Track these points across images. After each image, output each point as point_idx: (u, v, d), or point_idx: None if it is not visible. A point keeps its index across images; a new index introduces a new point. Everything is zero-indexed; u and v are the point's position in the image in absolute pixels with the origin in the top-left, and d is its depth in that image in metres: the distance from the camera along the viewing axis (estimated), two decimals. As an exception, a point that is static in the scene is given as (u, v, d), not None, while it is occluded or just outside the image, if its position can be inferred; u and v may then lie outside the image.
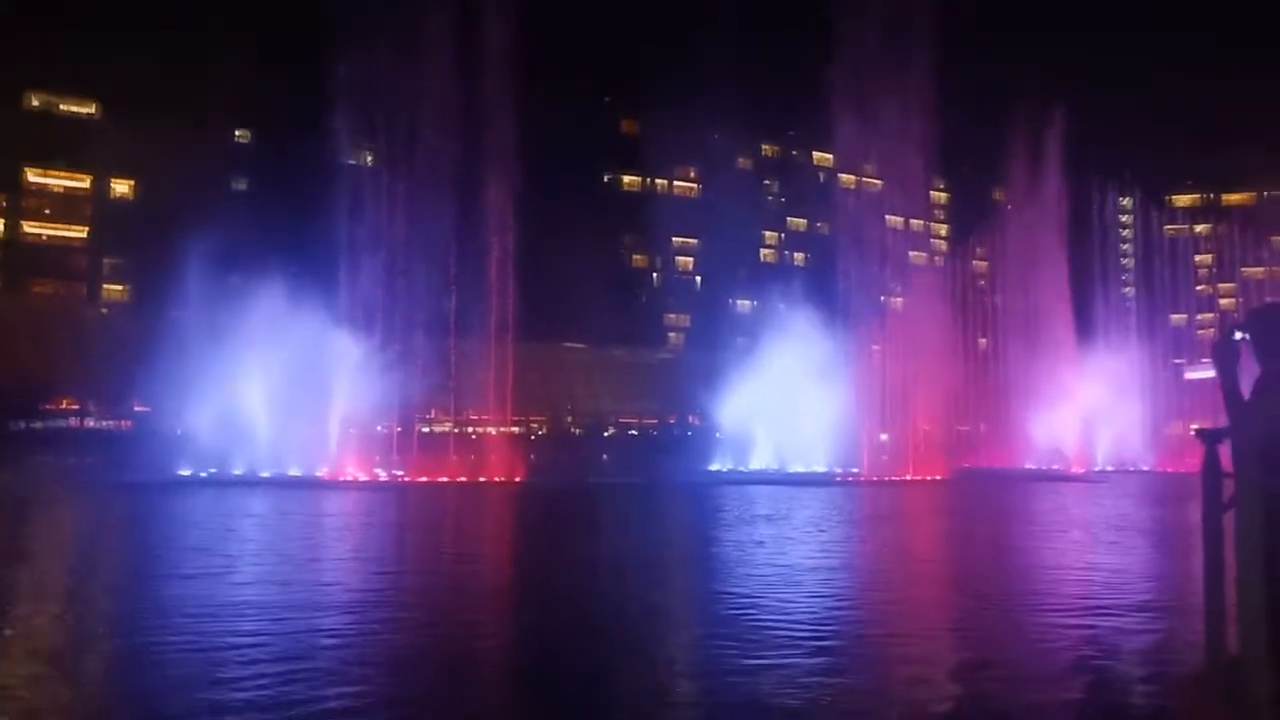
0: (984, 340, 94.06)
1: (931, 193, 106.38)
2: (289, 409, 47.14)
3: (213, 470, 44.42)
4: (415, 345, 52.55)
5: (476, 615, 10.65)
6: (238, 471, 44.34)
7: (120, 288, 71.96)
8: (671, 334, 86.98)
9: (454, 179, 64.36)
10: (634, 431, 77.13)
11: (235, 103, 68.45)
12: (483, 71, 64.47)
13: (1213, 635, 4.61)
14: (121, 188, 71.77)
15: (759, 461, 59.43)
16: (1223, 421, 4.77)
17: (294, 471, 46.09)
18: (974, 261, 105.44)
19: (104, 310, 70.06)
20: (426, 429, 65.49)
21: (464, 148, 63.49)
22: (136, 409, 63.48)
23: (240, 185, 72.37)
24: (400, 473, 49.23)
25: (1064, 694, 6.99)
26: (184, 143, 62.42)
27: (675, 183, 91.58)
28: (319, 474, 46.17)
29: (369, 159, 72.15)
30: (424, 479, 46.70)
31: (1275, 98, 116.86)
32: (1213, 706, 4.46)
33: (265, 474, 44.57)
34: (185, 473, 44.12)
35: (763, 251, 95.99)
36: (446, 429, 68.94)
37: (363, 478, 46.66)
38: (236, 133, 73.26)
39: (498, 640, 9.47)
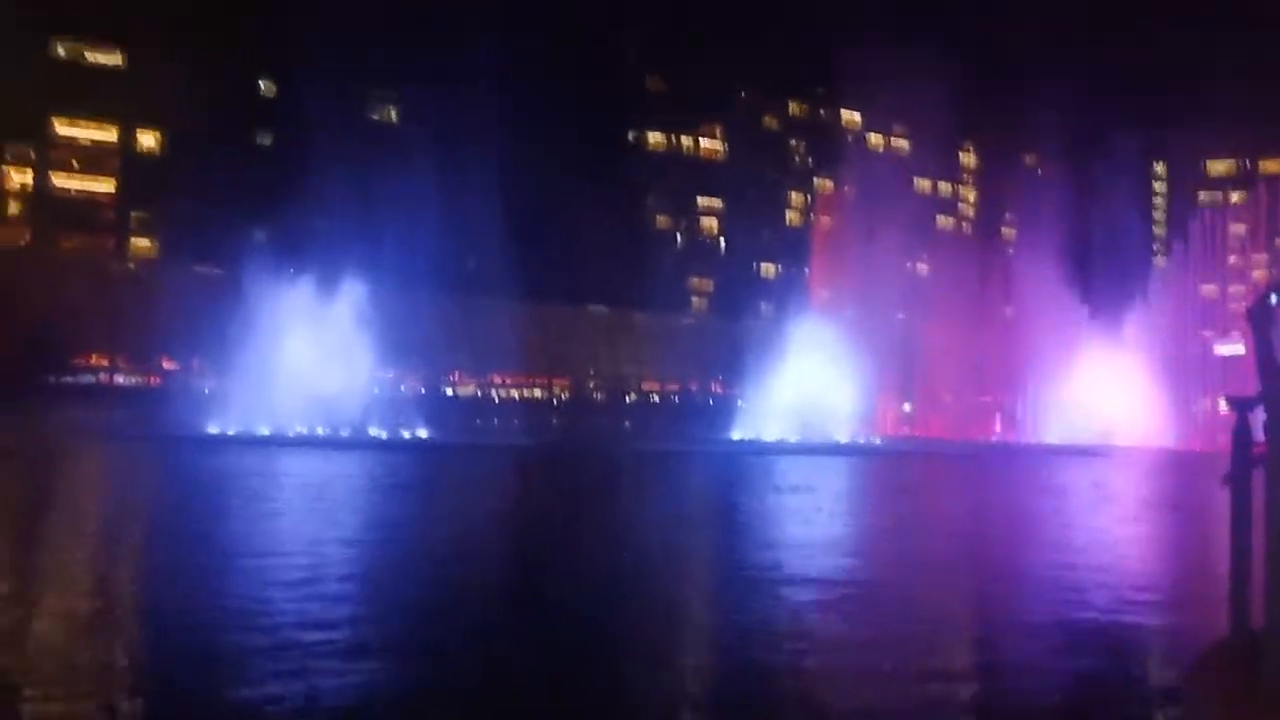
0: (1010, 310, 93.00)
1: (960, 155, 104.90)
2: (313, 368, 47.34)
3: (240, 429, 44.70)
4: (438, 305, 52.60)
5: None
6: (264, 430, 44.58)
7: (148, 242, 72.36)
8: (695, 298, 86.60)
9: (477, 136, 64.13)
10: (655, 397, 77.17)
11: (258, 55, 68.10)
12: (508, 25, 63.95)
13: (1237, 604, 4.55)
14: (149, 140, 71.75)
15: (779, 430, 58.90)
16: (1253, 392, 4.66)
17: (320, 430, 46.36)
18: (1002, 228, 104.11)
19: (131, 265, 70.52)
20: (450, 390, 65.89)
21: (488, 104, 63.18)
22: (165, 365, 64.15)
23: (265, 140, 72.22)
24: (425, 434, 49.26)
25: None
26: (211, 94, 62.28)
27: (701, 141, 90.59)
28: (343, 433, 46.36)
29: (393, 115, 71.95)
30: (449, 440, 46.73)
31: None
32: (1233, 675, 4.41)
33: (292, 433, 44.82)
34: (214, 430, 44.55)
35: (788, 214, 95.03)
36: (470, 390, 69.34)
37: (385, 436, 46.95)
38: (261, 84, 72.85)
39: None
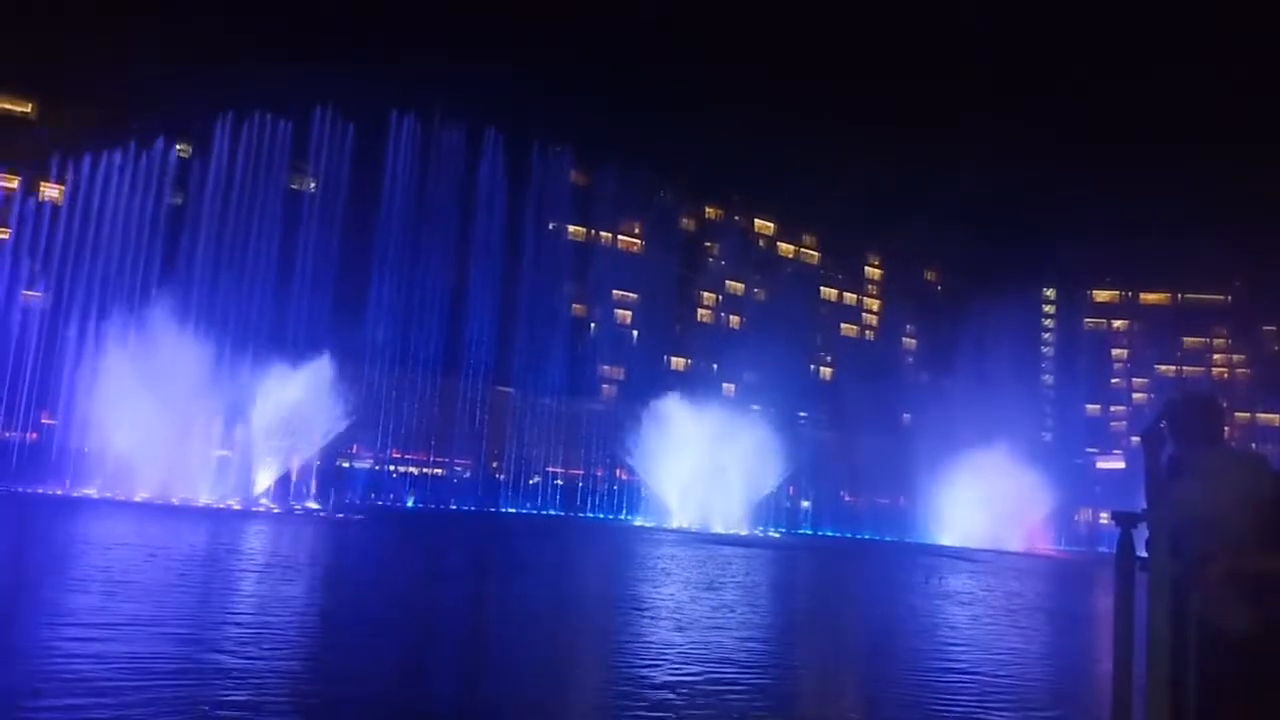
0: (907, 416, 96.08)
1: (866, 267, 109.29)
2: (203, 434, 45.89)
3: (112, 492, 42.70)
4: (343, 377, 51.61)
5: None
6: (143, 495, 42.66)
7: (39, 294, 69.55)
8: (605, 385, 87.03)
9: (397, 212, 64.23)
10: (559, 481, 76.58)
11: (174, 117, 67.36)
12: (433, 117, 65.05)
13: (1119, 707, 4.79)
14: (52, 191, 69.72)
15: (682, 520, 59.40)
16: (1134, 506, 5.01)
17: (205, 499, 44.63)
18: (904, 339, 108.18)
19: (19, 316, 67.53)
20: (346, 464, 64.23)
21: (408, 183, 63.57)
22: (44, 421, 61.12)
23: (176, 200, 70.88)
24: (316, 506, 48.06)
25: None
26: (119, 151, 61.16)
27: (619, 236, 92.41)
28: (231, 503, 44.74)
29: (311, 185, 71.57)
30: (340, 515, 45.57)
31: (1191, 204, 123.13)
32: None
33: (176, 499, 43.02)
34: (90, 491, 42.42)
35: (700, 311, 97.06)
36: (366, 465, 67.70)
37: (276, 509, 45.39)
38: (178, 147, 72.03)
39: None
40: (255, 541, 26.20)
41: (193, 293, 51.96)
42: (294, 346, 51.81)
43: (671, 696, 8.49)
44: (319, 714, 7.36)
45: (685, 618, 14.92)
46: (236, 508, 43.50)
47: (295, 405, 48.34)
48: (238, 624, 11.40)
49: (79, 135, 60.48)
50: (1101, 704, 5.32)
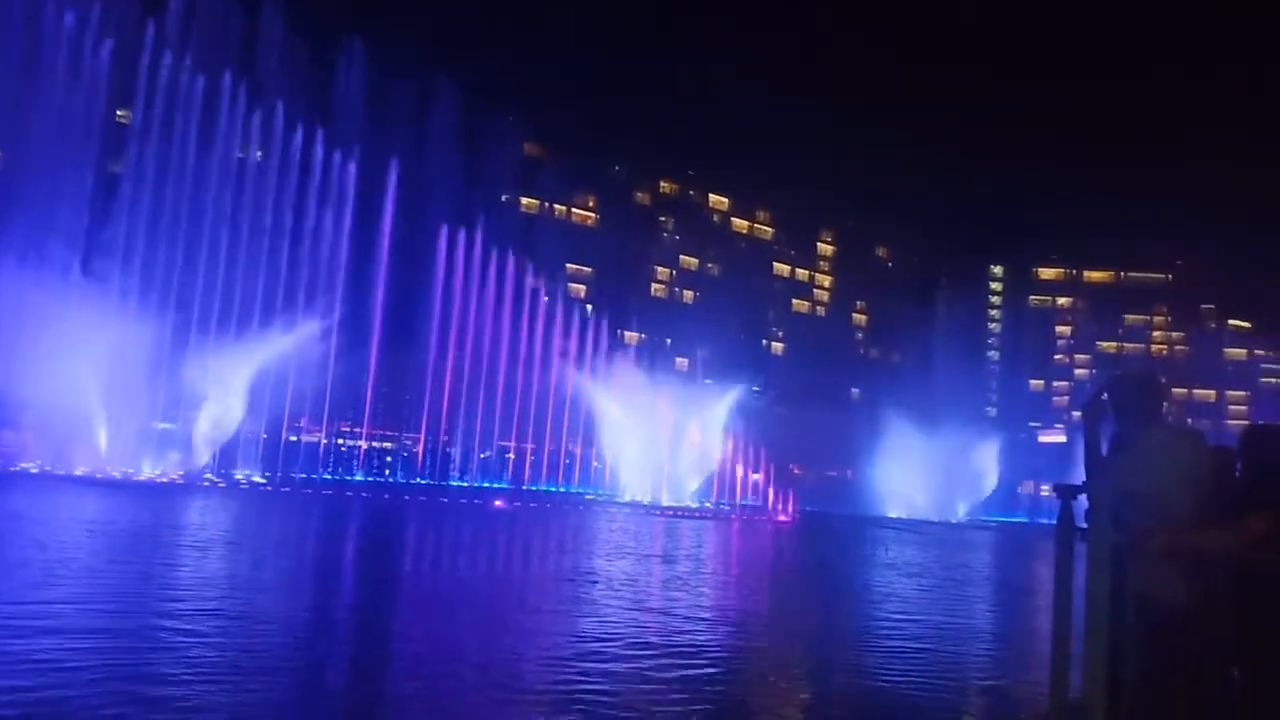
0: (856, 391, 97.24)
1: (819, 244, 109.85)
2: (144, 405, 44.88)
3: (54, 466, 41.64)
4: (292, 349, 50.68)
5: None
6: (82, 469, 41.64)
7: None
8: (557, 359, 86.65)
9: (345, 184, 62.98)
10: (510, 455, 76.26)
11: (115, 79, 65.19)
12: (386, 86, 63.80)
13: (1057, 677, 4.87)
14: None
15: (634, 493, 59.62)
16: (1074, 479, 5.08)
17: (148, 472, 43.74)
18: (854, 315, 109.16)
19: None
20: (295, 437, 63.25)
21: (357, 152, 62.33)
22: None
23: (115, 168, 68.72)
24: (262, 480, 47.41)
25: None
26: (58, 117, 58.94)
27: (573, 210, 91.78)
28: (175, 476, 43.89)
29: (258, 155, 69.88)
30: (286, 488, 45.06)
31: (1133, 190, 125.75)
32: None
33: (118, 472, 42.09)
34: (30, 466, 41.33)
35: (654, 286, 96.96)
36: (316, 439, 66.77)
37: (222, 484, 44.65)
38: (118, 113, 69.70)
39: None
40: (195, 517, 25.78)
41: (129, 258, 50.31)
42: (240, 316, 50.75)
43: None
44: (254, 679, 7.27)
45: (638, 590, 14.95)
46: (180, 482, 42.73)
47: (240, 376, 47.52)
48: (176, 601, 11.19)
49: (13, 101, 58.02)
50: (1043, 672, 5.42)
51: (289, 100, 58.03)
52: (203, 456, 47.12)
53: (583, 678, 8.02)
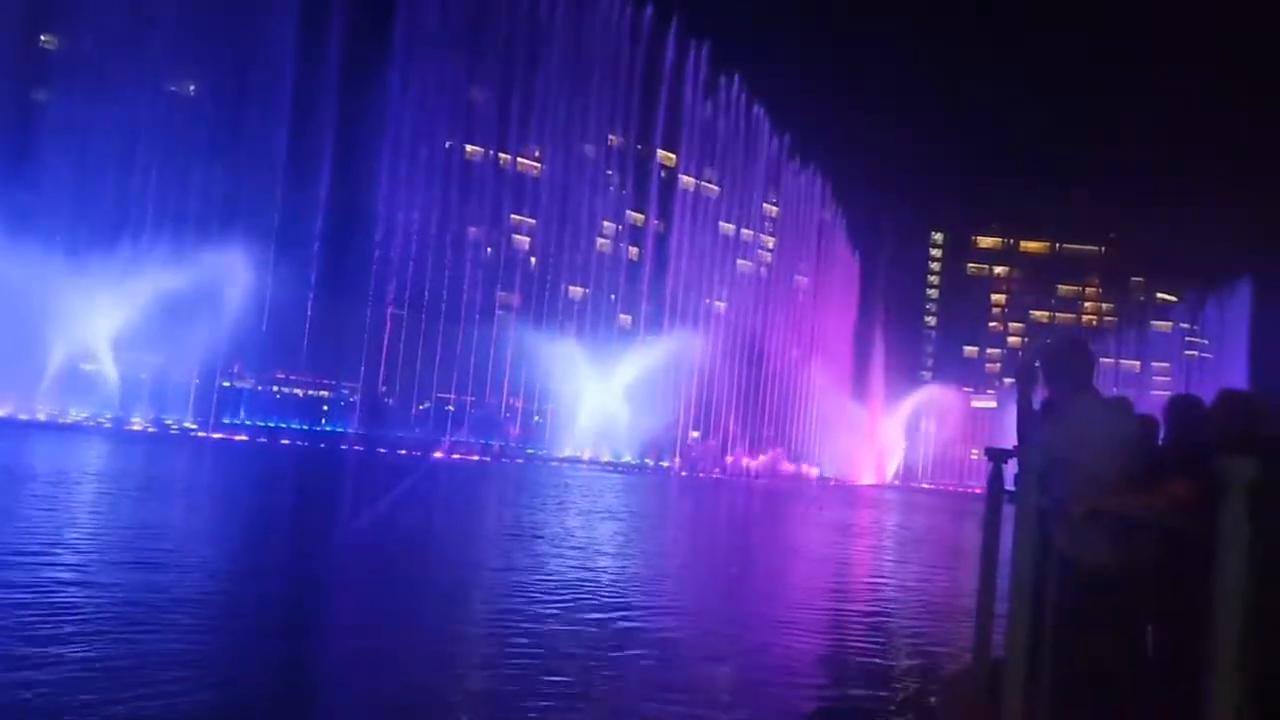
0: (796, 353, 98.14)
1: (765, 205, 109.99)
2: (77, 348, 43.54)
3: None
4: (226, 293, 49.39)
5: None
6: (4, 411, 40.32)
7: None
8: (500, 311, 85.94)
9: (288, 123, 61.21)
10: (450, 407, 75.74)
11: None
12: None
13: (981, 635, 5.00)
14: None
15: (575, 449, 59.72)
16: (1005, 443, 5.18)
17: (74, 414, 42.55)
18: (796, 277, 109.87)
19: None
20: (227, 383, 61.96)
21: (300, 90, 60.59)
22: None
23: (41, 96, 65.71)
24: (193, 426, 46.44)
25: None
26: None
27: (519, 159, 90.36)
28: (102, 420, 42.77)
29: (191, 89, 67.45)
30: (218, 435, 44.26)
31: (1071, 160, 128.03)
32: (973, 700, 4.85)
33: (44, 416, 40.84)
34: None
35: (599, 240, 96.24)
36: (248, 385, 65.51)
37: (152, 429, 43.67)
38: (42, 38, 66.51)
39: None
40: (105, 463, 25.19)
41: (53, 191, 48.36)
42: (174, 255, 49.06)
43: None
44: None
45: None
46: (107, 426, 41.67)
47: (172, 318, 46.28)
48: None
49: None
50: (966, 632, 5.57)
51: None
52: (132, 401, 45.98)
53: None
